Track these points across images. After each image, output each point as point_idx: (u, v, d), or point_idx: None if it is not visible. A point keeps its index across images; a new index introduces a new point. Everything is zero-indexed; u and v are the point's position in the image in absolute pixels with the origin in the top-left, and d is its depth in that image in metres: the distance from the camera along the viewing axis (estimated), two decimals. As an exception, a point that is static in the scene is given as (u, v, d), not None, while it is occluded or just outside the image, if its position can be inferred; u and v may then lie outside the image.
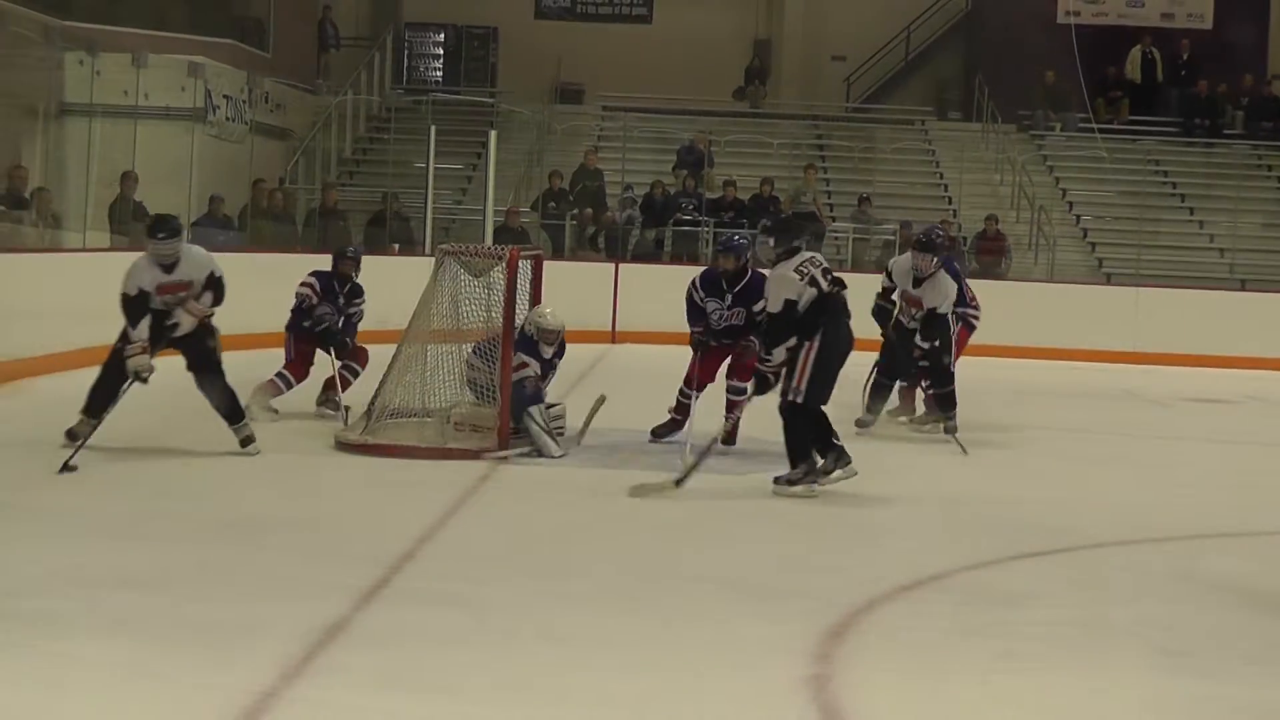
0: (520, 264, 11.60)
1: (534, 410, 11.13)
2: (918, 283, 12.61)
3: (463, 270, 11.68)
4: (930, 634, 6.71)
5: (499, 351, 11.20)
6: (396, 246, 22.12)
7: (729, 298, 11.65)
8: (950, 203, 26.45)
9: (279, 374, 12.96)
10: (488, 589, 7.11)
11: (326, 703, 5.44)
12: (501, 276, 11.41)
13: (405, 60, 31.03)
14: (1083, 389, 12.20)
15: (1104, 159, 26.68)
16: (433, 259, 12.12)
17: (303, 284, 13.26)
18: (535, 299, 12.30)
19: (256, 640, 6.06)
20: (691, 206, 24.21)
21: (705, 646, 6.31)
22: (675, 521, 9.10)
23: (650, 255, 23.72)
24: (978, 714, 5.69)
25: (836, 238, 24.77)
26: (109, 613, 6.44)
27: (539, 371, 11.45)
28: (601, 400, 11.87)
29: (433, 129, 21.31)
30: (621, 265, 22.37)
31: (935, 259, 12.48)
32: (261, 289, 17.97)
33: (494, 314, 11.47)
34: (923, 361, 12.72)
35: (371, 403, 11.45)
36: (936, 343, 12.52)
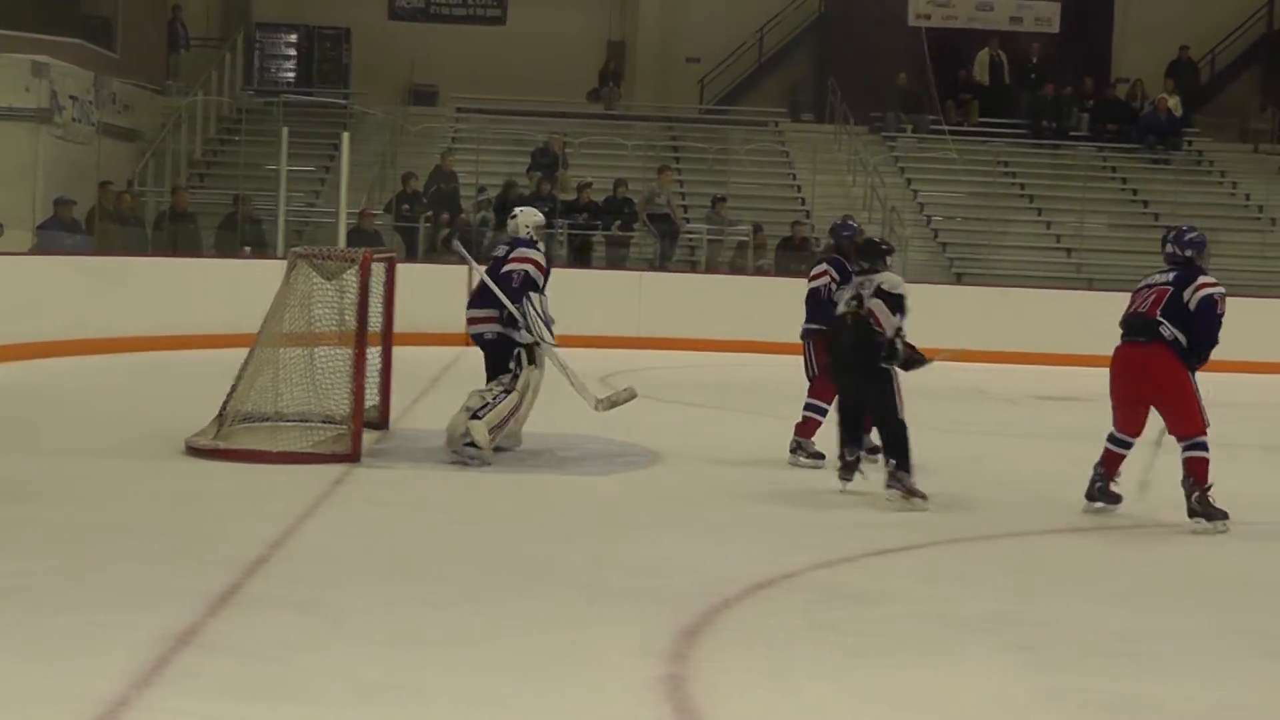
0: (373, 267, 11.56)
1: (534, 297, 11.12)
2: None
3: (315, 273, 11.60)
4: (784, 632, 6.78)
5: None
6: (248, 249, 21.93)
7: None
8: (804, 204, 26.64)
9: (809, 406, 11.63)
10: (342, 593, 7.08)
11: (179, 711, 5.39)
12: (354, 279, 11.36)
13: (256, 61, 30.71)
14: (932, 387, 12.29)
15: (954, 160, 27.02)
16: (285, 262, 12.04)
17: (816, 275, 11.82)
18: (389, 302, 12.26)
19: (108, 648, 5.99)
20: (546, 209, 24.16)
21: (561, 648, 6.32)
22: (529, 523, 9.11)
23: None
24: (832, 711, 5.75)
25: (691, 239, 24.91)
26: (-44, 622, 6.35)
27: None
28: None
29: (285, 130, 21.14)
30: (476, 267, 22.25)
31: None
32: (109, 293, 17.83)
33: (347, 317, 11.42)
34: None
35: (223, 407, 11.34)
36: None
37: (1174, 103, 28.95)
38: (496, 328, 11.22)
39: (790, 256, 24.03)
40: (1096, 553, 9.17)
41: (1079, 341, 21.70)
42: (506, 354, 11.21)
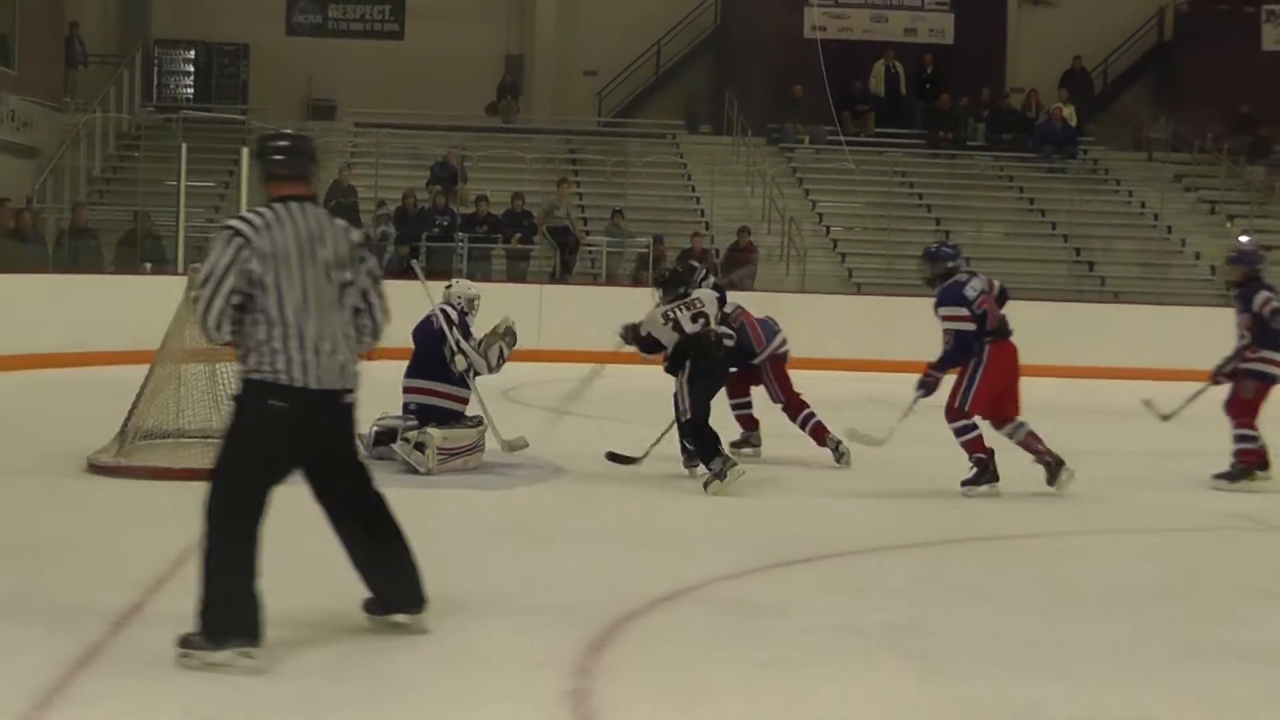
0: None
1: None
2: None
3: (216, 289, 11.53)
4: (690, 645, 6.81)
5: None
6: (149, 266, 21.82)
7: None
8: (702, 215, 26.75)
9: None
10: (247, 612, 7.04)
11: (84, 732, 5.37)
12: (255, 295, 11.30)
13: (155, 77, 30.62)
14: (829, 398, 12.41)
15: (852, 171, 27.19)
16: (186, 278, 11.98)
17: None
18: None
19: (8, 669, 5.96)
20: (445, 223, 24.19)
21: (466, 663, 6.33)
22: (432, 538, 9.08)
23: (405, 271, 23.61)
24: (735, 722, 5.79)
25: (591, 251, 24.96)
26: None
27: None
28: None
29: (184, 146, 21.05)
30: (377, 282, 22.21)
31: None
32: (5, 313, 17.66)
33: (248, 333, 11.36)
34: None
35: (125, 424, 11.27)
36: None
37: (1069, 112, 29.31)
38: (421, 399, 11.53)
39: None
40: (1000, 561, 9.26)
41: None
42: (439, 415, 11.52)
